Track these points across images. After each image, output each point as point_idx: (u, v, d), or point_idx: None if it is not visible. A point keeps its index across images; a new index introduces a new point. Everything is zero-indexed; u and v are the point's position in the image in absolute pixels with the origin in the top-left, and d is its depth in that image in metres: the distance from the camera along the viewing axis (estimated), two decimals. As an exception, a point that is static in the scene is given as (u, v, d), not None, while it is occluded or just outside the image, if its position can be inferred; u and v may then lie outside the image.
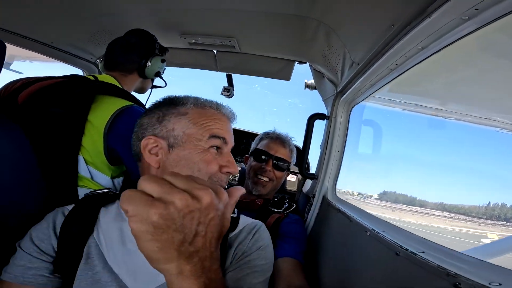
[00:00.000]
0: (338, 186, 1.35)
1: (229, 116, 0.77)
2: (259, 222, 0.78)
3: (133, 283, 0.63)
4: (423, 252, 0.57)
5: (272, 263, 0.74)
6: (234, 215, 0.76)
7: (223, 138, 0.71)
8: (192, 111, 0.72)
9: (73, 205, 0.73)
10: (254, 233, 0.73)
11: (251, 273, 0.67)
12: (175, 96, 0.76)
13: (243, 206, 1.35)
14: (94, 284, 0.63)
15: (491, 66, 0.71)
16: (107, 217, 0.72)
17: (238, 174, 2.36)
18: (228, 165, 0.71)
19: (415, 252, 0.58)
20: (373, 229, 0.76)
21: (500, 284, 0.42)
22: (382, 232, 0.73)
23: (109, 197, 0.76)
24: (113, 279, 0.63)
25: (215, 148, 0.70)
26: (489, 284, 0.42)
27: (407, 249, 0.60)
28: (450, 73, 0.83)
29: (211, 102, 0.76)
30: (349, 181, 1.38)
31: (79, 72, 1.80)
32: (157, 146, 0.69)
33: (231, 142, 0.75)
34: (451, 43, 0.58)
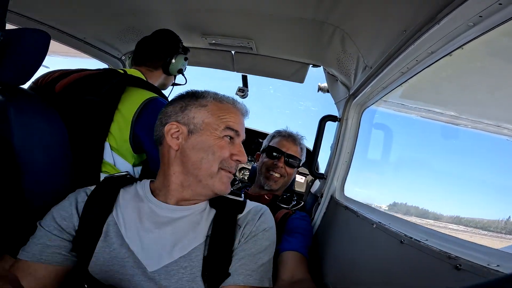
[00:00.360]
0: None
1: (243, 112, 0.85)
2: (264, 206, 0.83)
3: (147, 259, 0.68)
4: (427, 239, 0.60)
5: (275, 244, 0.80)
6: (241, 199, 0.83)
7: (236, 131, 0.79)
8: (211, 104, 0.80)
9: (94, 186, 0.79)
10: (261, 215, 0.78)
11: (258, 254, 0.72)
12: (196, 90, 0.85)
13: (253, 201, 1.40)
14: (110, 260, 0.68)
15: (499, 71, 0.74)
16: (125, 197, 0.77)
17: (248, 168, 2.41)
18: (238, 154, 0.79)
19: (419, 239, 0.61)
20: (379, 222, 0.79)
21: (498, 266, 0.44)
22: (388, 224, 0.76)
23: (127, 180, 0.83)
24: (130, 255, 0.68)
25: (229, 137, 0.78)
26: (488, 265, 0.45)
27: (411, 237, 0.63)
28: (458, 79, 0.86)
29: (228, 97, 0.85)
30: (355, 185, 1.41)
31: (104, 66, 1.92)
32: (178, 131, 0.77)
33: (243, 135, 0.82)
34: (458, 48, 0.62)
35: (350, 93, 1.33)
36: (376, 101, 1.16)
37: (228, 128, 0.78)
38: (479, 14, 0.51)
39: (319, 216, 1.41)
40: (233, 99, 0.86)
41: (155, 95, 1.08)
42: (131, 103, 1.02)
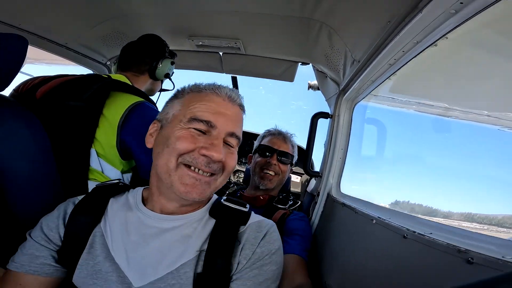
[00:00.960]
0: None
1: (227, 98, 0.71)
2: (270, 222, 0.73)
3: (133, 273, 0.62)
4: (431, 233, 0.56)
5: (282, 266, 0.71)
6: (246, 209, 0.73)
7: (207, 122, 0.66)
8: (187, 95, 0.72)
9: (83, 196, 0.74)
10: (265, 233, 0.68)
11: (264, 282, 0.64)
12: (184, 86, 0.78)
13: (249, 202, 1.38)
14: (94, 274, 0.63)
15: (486, 61, 0.74)
16: (114, 207, 0.72)
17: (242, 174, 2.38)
18: (207, 147, 0.64)
19: (423, 233, 0.57)
20: (378, 217, 0.76)
21: None
22: (388, 219, 0.73)
23: (119, 188, 0.78)
24: (114, 270, 0.63)
25: (198, 130, 0.66)
26: (502, 257, 0.41)
27: (414, 231, 0.59)
28: (446, 70, 0.86)
29: (210, 84, 0.73)
30: (351, 183, 1.40)
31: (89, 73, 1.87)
32: (156, 129, 0.73)
33: (225, 126, 0.67)
34: (442, 37, 0.61)
35: (340, 89, 1.32)
36: (366, 95, 1.15)
37: (194, 119, 0.65)
38: (460, 0, 0.51)
39: (317, 215, 1.40)
40: (215, 85, 0.72)
41: (141, 99, 1.05)
42: (117, 107, 0.99)
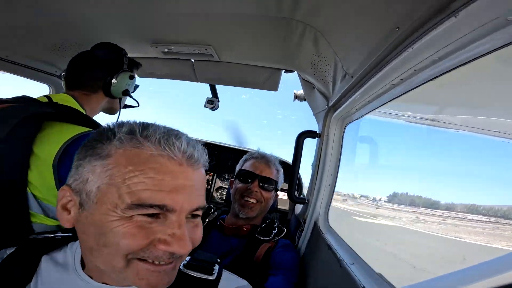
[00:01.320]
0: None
1: (186, 160, 0.47)
2: (243, 286, 0.62)
3: None
4: None
5: None
6: (212, 278, 0.59)
7: (162, 206, 0.44)
8: (117, 152, 0.45)
9: (14, 248, 0.61)
10: None
11: None
12: (108, 126, 0.50)
13: (230, 232, 1.26)
14: None
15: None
16: (49, 265, 0.59)
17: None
18: (166, 240, 0.44)
19: None
20: (359, 281, 0.63)
21: None
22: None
23: (55, 242, 0.63)
24: None
25: (147, 215, 0.45)
26: None
27: None
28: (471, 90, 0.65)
29: (154, 133, 0.46)
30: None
31: (45, 87, 1.63)
32: (71, 200, 0.49)
33: (187, 205, 0.46)
34: (483, 55, 0.39)
35: (330, 105, 1.11)
36: (362, 116, 0.94)
37: (138, 205, 0.43)
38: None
39: (303, 244, 1.30)
40: (164, 136, 0.46)
41: (85, 129, 0.85)
42: (50, 143, 0.80)
